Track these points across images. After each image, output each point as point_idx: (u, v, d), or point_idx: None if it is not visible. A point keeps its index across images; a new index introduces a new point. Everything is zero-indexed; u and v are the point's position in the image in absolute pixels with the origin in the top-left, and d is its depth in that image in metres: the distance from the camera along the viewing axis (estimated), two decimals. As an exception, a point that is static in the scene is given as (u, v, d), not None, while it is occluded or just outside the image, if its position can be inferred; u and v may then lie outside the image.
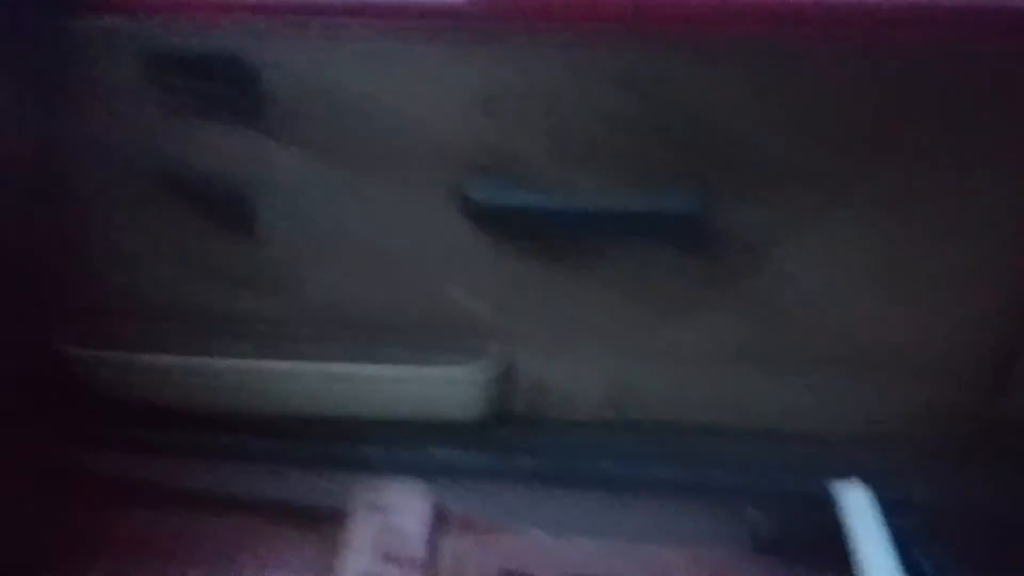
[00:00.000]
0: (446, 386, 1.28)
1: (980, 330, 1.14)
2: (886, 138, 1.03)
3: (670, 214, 1.09)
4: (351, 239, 1.19)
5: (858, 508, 1.17)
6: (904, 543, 1.15)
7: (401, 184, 1.14)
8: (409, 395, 1.29)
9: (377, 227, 1.18)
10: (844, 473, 1.23)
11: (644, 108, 1.04)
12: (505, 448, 1.31)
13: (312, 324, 1.28)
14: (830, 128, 1.02)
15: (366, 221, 1.17)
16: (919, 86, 0.99)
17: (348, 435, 1.33)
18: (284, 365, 1.28)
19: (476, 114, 1.07)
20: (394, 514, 1.28)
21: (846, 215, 1.08)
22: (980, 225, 1.07)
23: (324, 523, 1.28)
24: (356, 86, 1.07)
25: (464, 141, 1.09)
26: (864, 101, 1.01)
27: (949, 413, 1.21)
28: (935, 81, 0.99)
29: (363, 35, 1.05)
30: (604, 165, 1.08)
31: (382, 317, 1.26)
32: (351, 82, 1.07)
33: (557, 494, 1.31)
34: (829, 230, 1.09)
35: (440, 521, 1.28)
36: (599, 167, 1.09)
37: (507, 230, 1.15)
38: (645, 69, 1.02)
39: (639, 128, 1.05)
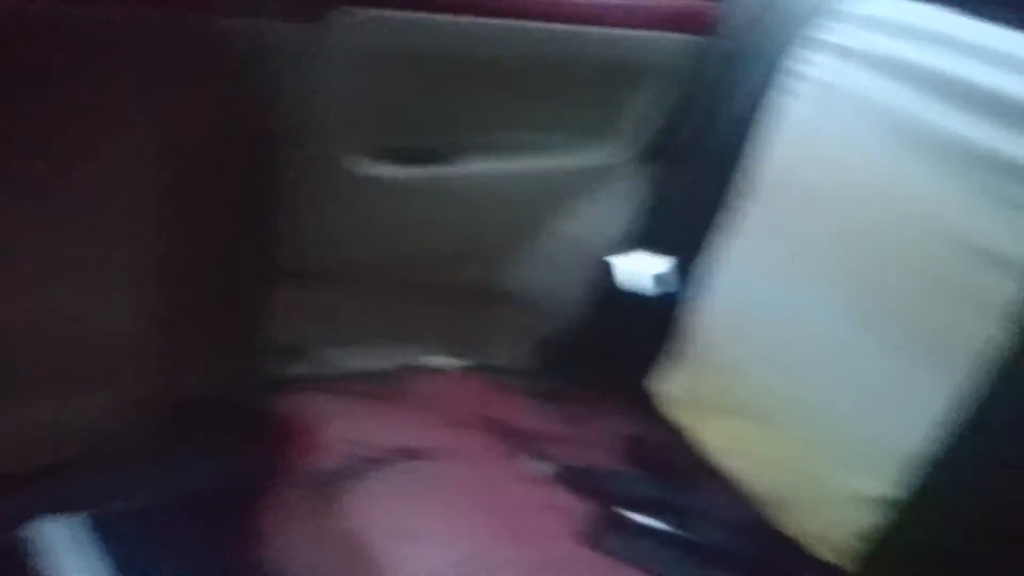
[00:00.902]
0: None
1: (144, 322, 1.05)
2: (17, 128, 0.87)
3: None
4: None
5: (56, 541, 1.02)
6: (123, 557, 1.03)
7: None
8: None
9: None
10: (59, 509, 1.04)
11: None
12: None
13: None
14: None
15: None
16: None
17: None
18: None
19: None
20: None
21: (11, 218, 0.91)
22: (121, 219, 0.97)
23: None
24: None
25: None
26: None
27: (141, 409, 1.11)
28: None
29: None
30: None
31: None
32: None
33: None
34: None
35: None
36: None
37: None
38: None
39: None
